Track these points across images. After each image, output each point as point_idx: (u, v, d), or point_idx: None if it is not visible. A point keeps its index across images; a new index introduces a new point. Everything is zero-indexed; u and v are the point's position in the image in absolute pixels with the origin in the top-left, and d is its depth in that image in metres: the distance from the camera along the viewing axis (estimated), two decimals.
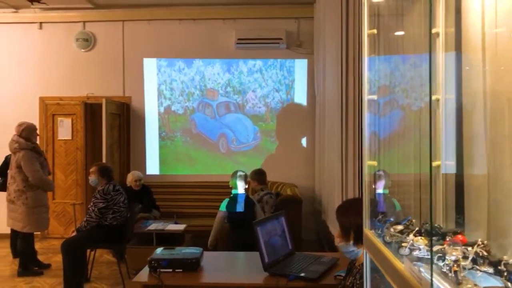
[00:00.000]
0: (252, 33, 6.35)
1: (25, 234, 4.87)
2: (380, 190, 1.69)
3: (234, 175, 4.28)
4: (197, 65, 6.56)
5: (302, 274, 2.34)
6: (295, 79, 6.54)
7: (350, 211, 1.94)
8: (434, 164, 1.38)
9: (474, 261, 0.93)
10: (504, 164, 1.13)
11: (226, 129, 6.59)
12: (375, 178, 1.67)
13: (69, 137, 6.60)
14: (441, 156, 1.38)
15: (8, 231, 5.37)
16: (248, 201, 4.19)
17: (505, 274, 0.80)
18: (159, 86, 6.59)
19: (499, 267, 0.83)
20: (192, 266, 2.48)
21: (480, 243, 0.96)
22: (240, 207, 4.04)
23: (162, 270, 2.43)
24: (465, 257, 0.94)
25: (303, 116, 6.47)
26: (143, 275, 2.45)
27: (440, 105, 1.39)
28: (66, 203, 6.53)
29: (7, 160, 5.33)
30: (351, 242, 1.89)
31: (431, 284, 0.82)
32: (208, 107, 6.59)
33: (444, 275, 0.89)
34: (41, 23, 6.58)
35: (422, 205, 1.37)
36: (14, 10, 6.49)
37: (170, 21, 6.50)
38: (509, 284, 0.78)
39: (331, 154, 4.36)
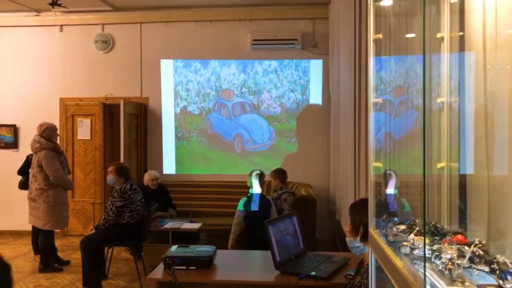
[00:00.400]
0: (268, 34, 6.39)
1: (46, 231, 5.00)
2: (389, 190, 1.72)
3: (250, 174, 4.36)
4: (212, 66, 6.63)
5: (313, 273, 2.38)
6: (310, 79, 6.56)
7: (362, 208, 1.97)
8: (439, 165, 1.41)
9: (471, 260, 0.96)
10: None
11: (241, 130, 6.64)
12: (385, 178, 1.70)
13: (88, 137, 6.75)
14: (446, 157, 1.41)
15: (29, 228, 5.54)
16: (263, 201, 4.24)
17: (498, 272, 0.83)
18: (176, 87, 6.69)
19: (492, 266, 0.86)
20: (205, 263, 2.54)
21: (478, 242, 0.98)
22: (255, 207, 4.09)
23: (176, 267, 2.49)
24: (463, 256, 0.97)
25: (318, 116, 6.49)
26: (158, 272, 2.52)
27: (445, 107, 1.41)
28: (85, 202, 6.68)
29: (28, 159, 5.48)
30: (358, 238, 1.93)
31: (424, 280, 0.86)
32: (224, 108, 6.66)
33: (440, 273, 0.92)
34: (61, 25, 6.75)
35: (426, 205, 1.40)
36: (36, 13, 6.67)
37: (187, 23, 6.59)
38: (500, 282, 0.81)
39: (345, 155, 4.38)
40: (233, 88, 6.63)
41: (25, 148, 6.26)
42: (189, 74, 6.66)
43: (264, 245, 2.83)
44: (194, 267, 2.52)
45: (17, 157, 6.21)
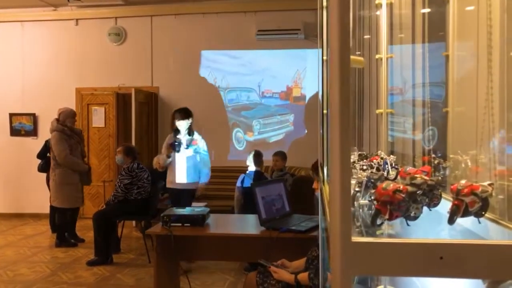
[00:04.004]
0: (272, 24, 6.65)
1: (60, 209, 5.34)
2: None
3: (249, 154, 4.71)
4: (219, 55, 6.91)
5: (293, 228, 2.65)
6: (313, 67, 6.79)
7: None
8: (377, 111, 1.69)
9: (377, 169, 1.23)
10: None
11: (245, 117, 6.91)
12: None
13: (102, 125, 7.12)
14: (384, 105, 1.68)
15: (47, 211, 5.92)
16: (259, 177, 4.52)
17: (381, 164, 1.11)
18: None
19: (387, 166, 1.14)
20: (199, 221, 2.83)
21: (383, 156, 1.25)
22: (249, 182, 4.38)
23: (172, 224, 2.79)
24: (372, 167, 1.24)
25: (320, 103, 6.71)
26: (156, 228, 2.83)
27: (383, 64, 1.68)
28: (99, 186, 7.04)
29: (46, 144, 5.86)
30: None
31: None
32: (229, 95, 6.94)
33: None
34: (77, 19, 7.13)
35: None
36: (53, 8, 7.07)
37: (195, 15, 6.90)
38: (381, 171, 1.08)
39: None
40: (238, 76, 6.90)
41: (44, 136, 6.65)
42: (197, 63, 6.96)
43: None
44: (189, 224, 2.81)
45: (37, 144, 6.59)
